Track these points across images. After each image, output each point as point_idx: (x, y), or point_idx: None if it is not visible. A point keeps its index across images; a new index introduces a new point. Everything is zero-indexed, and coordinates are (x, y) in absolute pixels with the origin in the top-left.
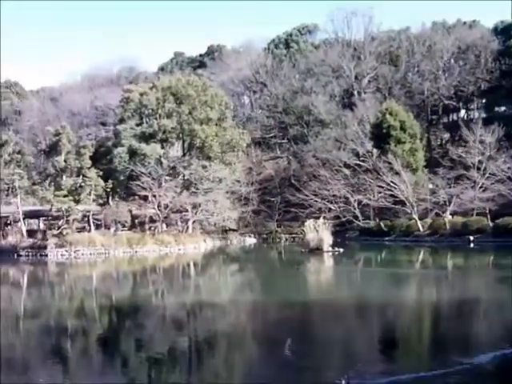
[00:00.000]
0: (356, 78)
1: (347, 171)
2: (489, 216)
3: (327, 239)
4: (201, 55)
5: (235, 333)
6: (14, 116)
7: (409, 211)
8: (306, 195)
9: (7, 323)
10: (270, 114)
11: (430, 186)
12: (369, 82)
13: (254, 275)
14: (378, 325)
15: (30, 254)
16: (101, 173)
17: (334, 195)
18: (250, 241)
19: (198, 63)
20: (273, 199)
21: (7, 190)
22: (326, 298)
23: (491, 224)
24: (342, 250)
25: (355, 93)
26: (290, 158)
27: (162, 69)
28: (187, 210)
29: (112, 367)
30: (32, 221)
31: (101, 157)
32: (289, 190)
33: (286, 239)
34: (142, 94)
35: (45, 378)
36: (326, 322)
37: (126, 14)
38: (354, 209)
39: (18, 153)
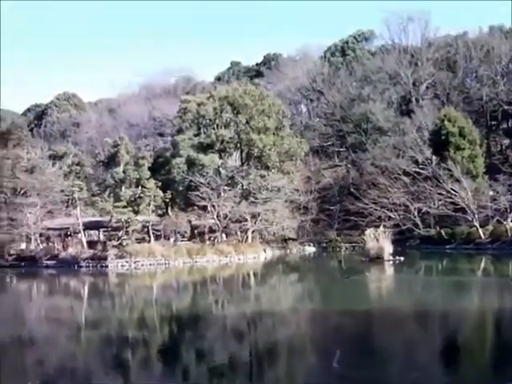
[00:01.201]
0: (414, 84)
1: (406, 179)
2: None
3: (387, 248)
4: (257, 64)
5: (294, 343)
6: (73, 128)
7: (470, 218)
8: (366, 203)
9: (69, 333)
10: (327, 122)
11: (491, 192)
12: (426, 88)
13: (313, 284)
14: (440, 334)
15: (91, 264)
16: (159, 183)
17: (393, 203)
18: (310, 250)
19: (255, 72)
20: (332, 208)
21: (67, 202)
22: (386, 307)
23: None
24: (402, 258)
25: (413, 99)
26: (349, 166)
27: (218, 78)
28: (246, 220)
29: (173, 377)
30: (92, 232)
31: (159, 167)
32: (348, 198)
33: (346, 248)
34: (199, 104)
35: None
36: (385, 332)
37: (182, 24)
38: (414, 217)
39: (77, 164)
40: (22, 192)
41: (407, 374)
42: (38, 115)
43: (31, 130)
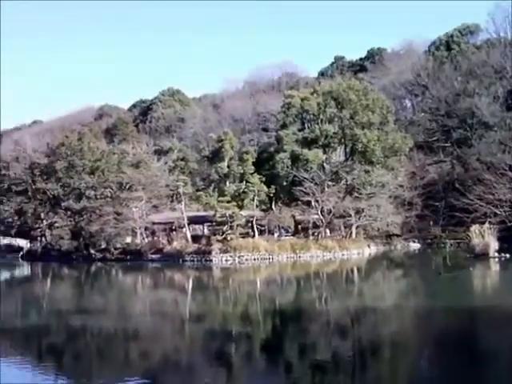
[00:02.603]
0: None
1: None
2: None
3: (493, 244)
4: (361, 59)
5: (395, 340)
6: (178, 123)
7: None
8: (471, 199)
9: (174, 327)
10: (432, 117)
11: None
12: None
13: (417, 281)
14: None
15: (195, 259)
16: (264, 178)
17: (499, 199)
18: (414, 246)
19: (359, 67)
20: (437, 204)
21: (172, 196)
22: (490, 305)
23: None
24: (508, 255)
25: None
26: (454, 161)
27: (322, 73)
28: (350, 215)
29: (276, 372)
30: (196, 226)
31: (263, 162)
32: (453, 194)
33: (451, 244)
34: (303, 100)
35: (209, 381)
36: (487, 331)
37: (285, 18)
38: None
39: (182, 159)
40: (127, 186)
41: (502, 376)
42: (144, 111)
43: (137, 125)
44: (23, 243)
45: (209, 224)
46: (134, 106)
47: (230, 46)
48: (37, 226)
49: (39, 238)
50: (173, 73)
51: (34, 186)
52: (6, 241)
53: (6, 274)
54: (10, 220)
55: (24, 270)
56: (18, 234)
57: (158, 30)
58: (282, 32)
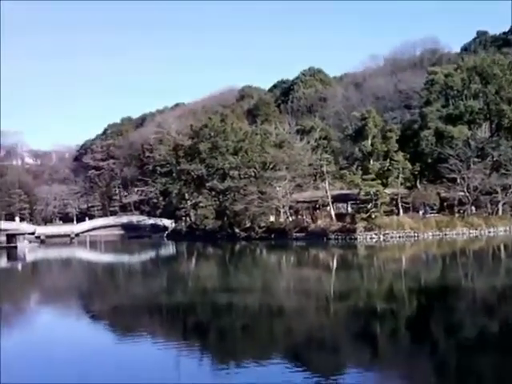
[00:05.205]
0: None
1: None
2: None
3: None
4: (504, 33)
5: None
6: (319, 103)
7: None
8: None
9: (318, 304)
10: None
11: None
12: None
13: None
14: None
15: (339, 237)
16: (408, 156)
17: None
18: None
19: (502, 41)
20: None
21: (315, 175)
22: None
23: None
24: None
25: None
26: None
27: (465, 49)
28: (497, 192)
29: (419, 350)
30: (340, 205)
31: (407, 140)
32: None
33: None
34: (446, 76)
35: (352, 360)
36: None
37: None
38: None
39: (325, 138)
40: (271, 166)
41: None
42: (285, 91)
43: (278, 105)
44: (168, 223)
45: (353, 202)
46: (274, 86)
47: (369, 24)
48: (181, 206)
49: (184, 218)
50: (314, 52)
51: (178, 167)
52: (151, 221)
53: (152, 253)
54: (155, 201)
55: (169, 249)
56: (163, 215)
57: (298, 11)
58: (421, 9)
